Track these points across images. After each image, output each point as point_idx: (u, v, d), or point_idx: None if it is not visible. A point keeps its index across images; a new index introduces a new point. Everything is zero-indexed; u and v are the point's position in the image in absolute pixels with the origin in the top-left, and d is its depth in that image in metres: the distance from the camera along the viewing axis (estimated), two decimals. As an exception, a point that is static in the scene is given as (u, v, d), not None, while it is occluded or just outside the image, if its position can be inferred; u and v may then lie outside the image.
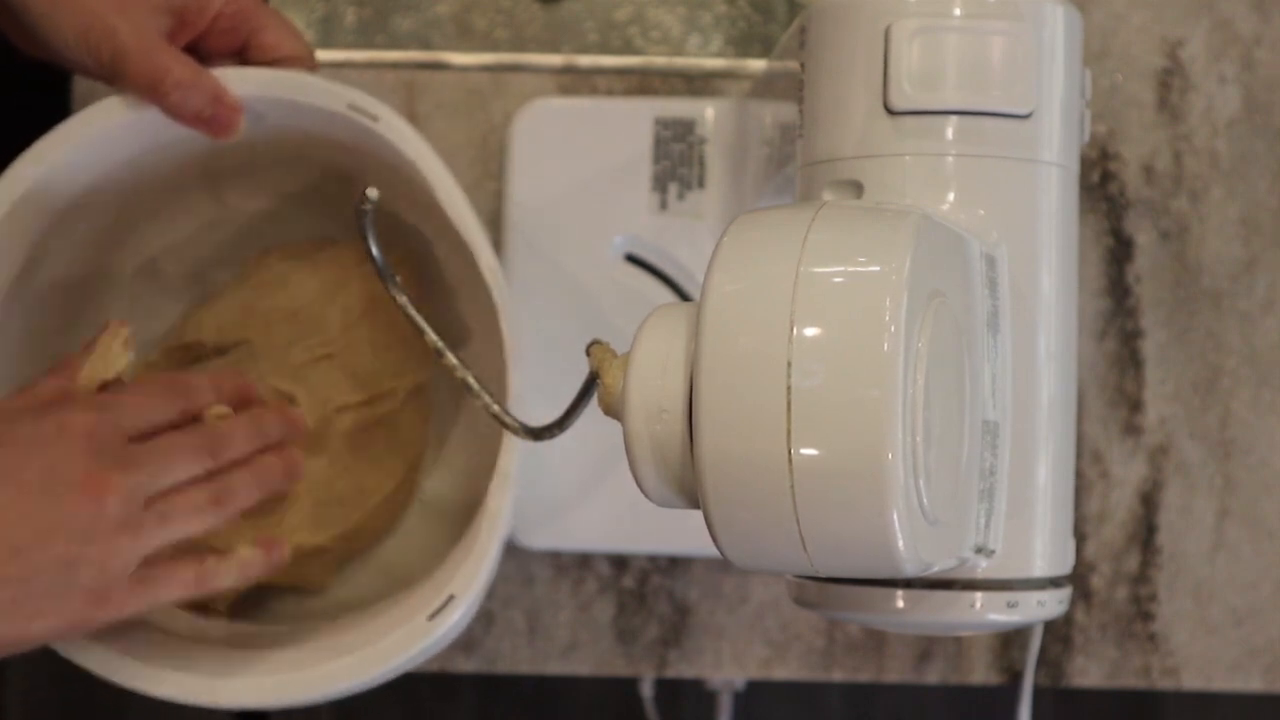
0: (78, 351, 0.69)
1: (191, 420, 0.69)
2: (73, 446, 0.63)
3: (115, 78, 0.69)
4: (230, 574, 0.69)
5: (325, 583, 0.80)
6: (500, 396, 0.63)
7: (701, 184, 0.82)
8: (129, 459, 0.64)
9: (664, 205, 0.82)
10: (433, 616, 0.69)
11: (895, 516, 0.48)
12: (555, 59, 0.85)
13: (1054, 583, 0.59)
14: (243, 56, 0.73)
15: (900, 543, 0.49)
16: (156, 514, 0.64)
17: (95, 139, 0.71)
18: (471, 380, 0.61)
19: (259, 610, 0.80)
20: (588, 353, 0.56)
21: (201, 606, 0.77)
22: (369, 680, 0.69)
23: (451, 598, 0.69)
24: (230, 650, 0.73)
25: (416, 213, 0.78)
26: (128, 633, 0.71)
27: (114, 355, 0.69)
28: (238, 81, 0.70)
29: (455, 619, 0.69)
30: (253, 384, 0.73)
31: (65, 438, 0.63)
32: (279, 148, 0.76)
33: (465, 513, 0.81)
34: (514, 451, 0.70)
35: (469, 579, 0.69)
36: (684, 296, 0.82)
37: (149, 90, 0.69)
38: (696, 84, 0.85)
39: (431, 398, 0.82)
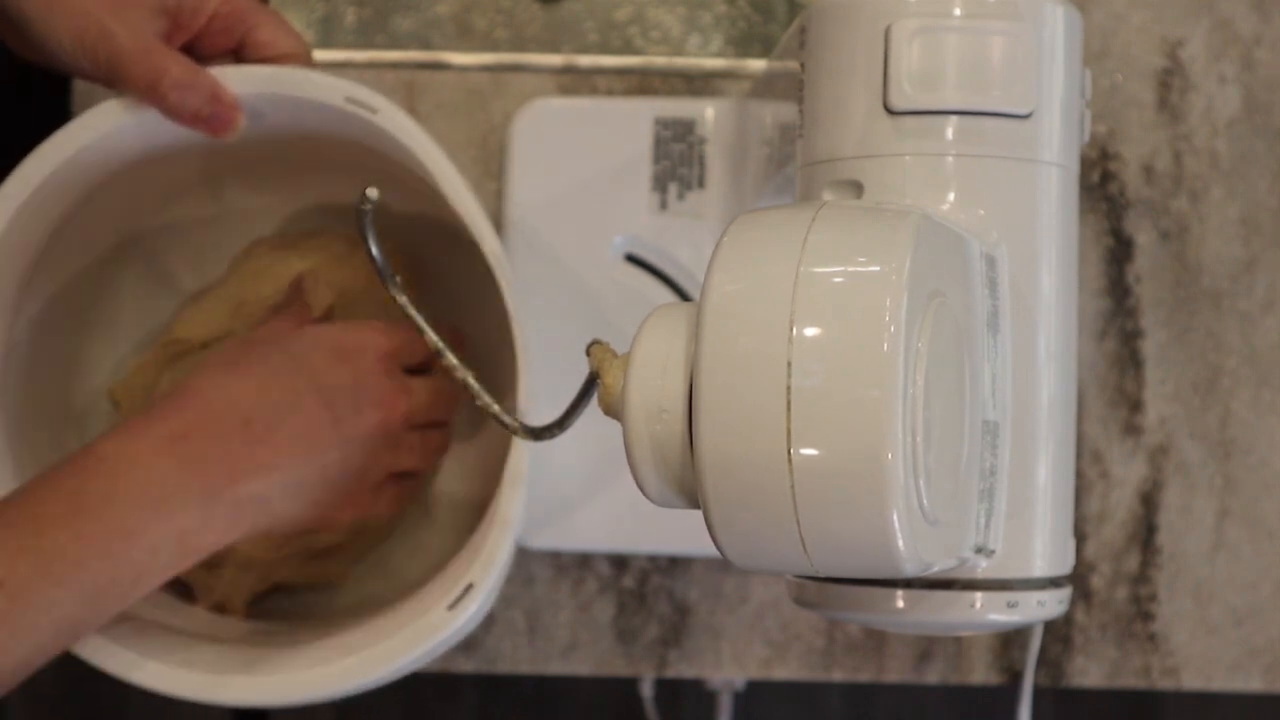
0: (284, 298, 0.77)
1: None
2: (376, 365, 0.72)
3: (113, 80, 0.69)
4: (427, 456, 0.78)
5: (344, 577, 0.80)
6: (501, 390, 0.63)
7: (701, 184, 0.82)
8: (409, 390, 0.74)
9: (664, 205, 0.82)
10: (453, 606, 0.69)
11: (895, 516, 0.48)
12: (555, 59, 0.85)
13: (1054, 583, 0.59)
14: (239, 55, 0.73)
15: (900, 543, 0.49)
16: (421, 441, 0.76)
17: (97, 142, 0.71)
18: (471, 380, 0.61)
19: (273, 611, 0.80)
20: (588, 353, 0.56)
21: (219, 606, 0.78)
22: (391, 672, 0.70)
23: (471, 586, 0.69)
24: (250, 649, 0.73)
25: (417, 209, 0.78)
26: (144, 632, 0.71)
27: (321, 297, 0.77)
28: (234, 80, 0.70)
29: (475, 608, 0.69)
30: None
31: (369, 355, 0.73)
32: (278, 146, 0.76)
33: (468, 512, 0.81)
34: (526, 445, 0.70)
35: (487, 566, 0.69)
36: (684, 296, 0.82)
37: (147, 91, 0.69)
38: (696, 84, 0.85)
39: None
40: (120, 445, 0.66)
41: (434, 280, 0.82)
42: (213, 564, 0.77)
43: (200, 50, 0.72)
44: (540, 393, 0.71)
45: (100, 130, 0.71)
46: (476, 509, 0.80)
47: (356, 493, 0.72)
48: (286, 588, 0.80)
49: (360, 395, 0.71)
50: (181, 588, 0.78)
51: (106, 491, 0.65)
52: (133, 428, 0.67)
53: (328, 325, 0.74)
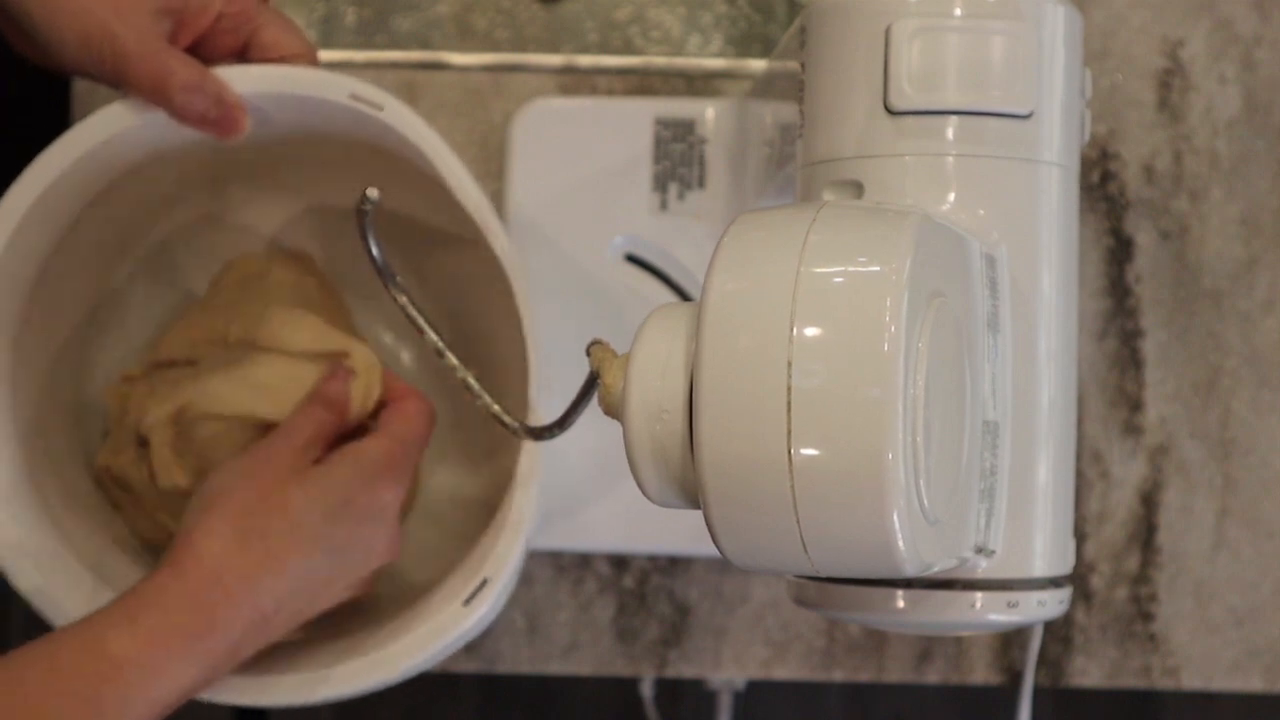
0: (336, 381, 0.74)
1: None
2: (391, 515, 0.71)
3: (118, 81, 0.69)
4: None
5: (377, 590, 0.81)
6: (503, 389, 0.63)
7: (701, 184, 0.82)
8: (402, 503, 0.73)
9: (664, 205, 0.82)
10: (468, 601, 0.69)
11: (895, 516, 0.48)
12: (555, 59, 0.85)
13: (1054, 583, 0.59)
14: (244, 56, 0.72)
15: (900, 543, 0.49)
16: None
17: (104, 144, 0.71)
18: (471, 380, 0.61)
19: None
20: (588, 353, 0.56)
21: None
22: (409, 669, 0.70)
23: (486, 581, 0.69)
24: (267, 649, 0.73)
25: (421, 207, 0.78)
26: None
27: (373, 386, 0.75)
28: (239, 79, 0.70)
29: (490, 603, 0.69)
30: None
31: (388, 512, 0.71)
32: (284, 146, 0.76)
33: (470, 513, 0.81)
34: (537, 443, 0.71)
35: (501, 562, 0.69)
36: (684, 296, 0.82)
37: (154, 93, 0.69)
38: (696, 84, 0.85)
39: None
40: (135, 648, 0.63)
41: (438, 279, 0.82)
42: None
43: (205, 51, 0.72)
44: (548, 390, 0.71)
45: (107, 132, 0.70)
46: (478, 509, 0.80)
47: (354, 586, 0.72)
48: None
49: (371, 552, 0.71)
50: None
51: (122, 698, 0.63)
52: (148, 625, 0.64)
53: (342, 478, 0.70)
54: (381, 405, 0.75)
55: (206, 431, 0.75)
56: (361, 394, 0.74)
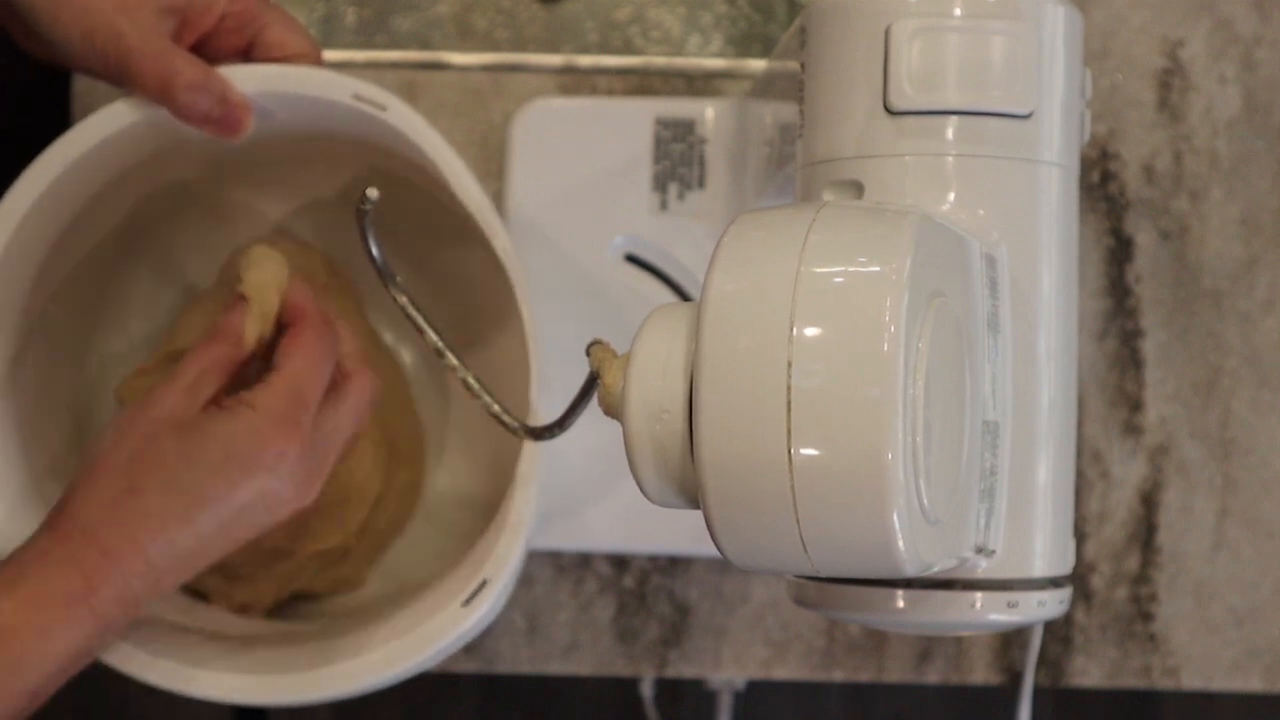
0: (233, 311, 0.72)
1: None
2: (283, 465, 0.68)
3: (123, 80, 0.69)
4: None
5: (363, 580, 0.81)
6: (501, 391, 0.63)
7: (701, 184, 0.82)
8: (307, 432, 0.69)
9: (664, 205, 0.82)
10: (467, 602, 0.69)
11: (895, 516, 0.48)
12: (555, 59, 0.85)
13: (1054, 583, 0.59)
14: (248, 55, 0.72)
15: (900, 543, 0.49)
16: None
17: (107, 141, 0.71)
18: (471, 380, 0.61)
19: (289, 613, 0.80)
20: (588, 353, 0.56)
21: (241, 607, 0.78)
22: (406, 670, 0.70)
23: (485, 582, 0.69)
24: (259, 649, 0.73)
25: (424, 207, 0.78)
26: (161, 634, 0.72)
27: (270, 302, 0.72)
28: (242, 79, 0.70)
29: (489, 604, 0.69)
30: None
31: (285, 467, 0.68)
32: (286, 145, 0.76)
33: (470, 512, 0.81)
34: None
35: (501, 563, 0.69)
36: (684, 296, 0.82)
37: (158, 92, 0.69)
38: (696, 84, 0.85)
39: (410, 386, 0.83)
40: (17, 615, 0.63)
41: (438, 279, 0.82)
42: (230, 575, 0.77)
43: (209, 50, 0.72)
44: (548, 390, 0.71)
45: (109, 130, 0.70)
46: (479, 509, 0.80)
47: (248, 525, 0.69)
48: (306, 595, 0.80)
49: (271, 503, 0.68)
50: (197, 594, 0.79)
51: (13, 662, 0.63)
52: (33, 591, 0.64)
53: (226, 432, 0.68)
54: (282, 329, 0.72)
55: None
56: (258, 318, 0.71)
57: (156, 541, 0.65)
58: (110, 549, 0.65)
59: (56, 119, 0.84)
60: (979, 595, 0.58)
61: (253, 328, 0.71)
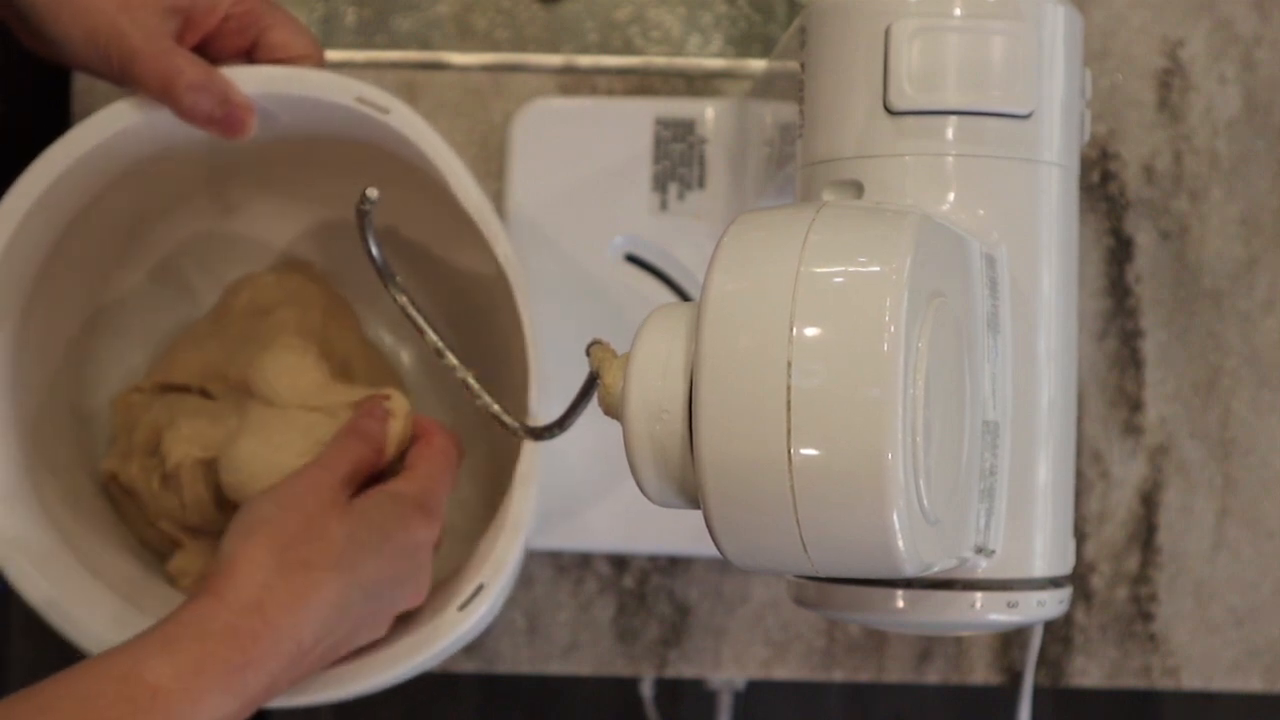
0: (373, 419, 0.73)
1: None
2: (424, 555, 0.70)
3: (125, 80, 0.69)
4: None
5: None
6: (501, 391, 0.63)
7: (701, 184, 0.82)
8: (438, 538, 0.72)
9: (664, 205, 0.82)
10: (463, 606, 0.69)
11: (895, 516, 0.48)
12: (555, 59, 0.85)
13: (1054, 583, 0.59)
14: (251, 56, 0.72)
15: (900, 543, 0.49)
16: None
17: (107, 142, 0.71)
18: (471, 380, 0.61)
19: None
20: (588, 353, 0.56)
21: None
22: (401, 673, 0.70)
23: (481, 587, 0.69)
24: None
25: (425, 209, 0.78)
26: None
27: (404, 432, 0.74)
28: (244, 80, 0.70)
29: (485, 609, 0.69)
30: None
31: (424, 558, 0.70)
32: (288, 146, 0.76)
33: (471, 513, 0.81)
34: (536, 445, 0.70)
35: (498, 567, 0.69)
36: (684, 296, 0.82)
37: (161, 92, 0.69)
38: (696, 84, 0.85)
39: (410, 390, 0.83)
40: (175, 678, 0.61)
41: (438, 279, 0.82)
42: None
43: (212, 51, 0.72)
44: (548, 390, 0.71)
45: (111, 130, 0.70)
46: (479, 510, 0.80)
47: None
48: None
49: (403, 590, 0.70)
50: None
51: None
52: (190, 656, 0.62)
53: (381, 514, 0.69)
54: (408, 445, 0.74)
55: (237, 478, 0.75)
56: (398, 435, 0.73)
57: (316, 618, 0.65)
58: (273, 621, 0.64)
59: (57, 118, 0.84)
60: (979, 595, 0.58)
61: (394, 439, 0.73)
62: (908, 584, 0.57)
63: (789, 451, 0.48)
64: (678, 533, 0.80)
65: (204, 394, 0.77)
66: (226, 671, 0.62)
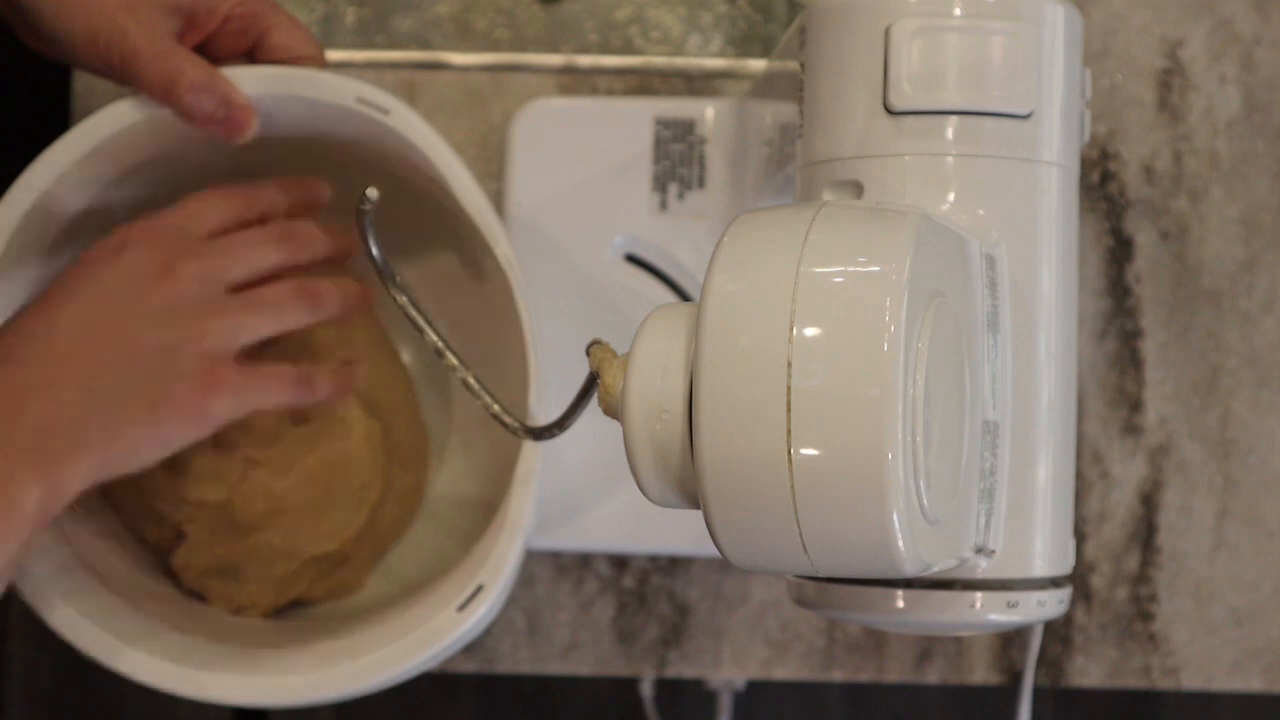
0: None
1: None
2: (140, 248, 0.66)
3: (126, 79, 0.69)
4: (325, 385, 0.71)
5: (362, 585, 0.80)
6: (501, 391, 0.63)
7: (701, 184, 0.82)
8: (200, 249, 0.67)
9: (664, 205, 0.82)
10: (462, 607, 0.69)
11: (895, 516, 0.48)
12: (555, 59, 0.85)
13: (1054, 583, 0.59)
14: (252, 57, 0.72)
15: (900, 543, 0.49)
16: (242, 300, 0.67)
17: (108, 142, 0.71)
18: (471, 380, 0.61)
19: (288, 614, 0.80)
20: (588, 353, 0.56)
21: (239, 609, 0.78)
22: (400, 674, 0.70)
23: (481, 588, 0.69)
24: (258, 650, 0.73)
25: (426, 210, 0.78)
26: (161, 635, 0.71)
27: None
28: (245, 80, 0.70)
29: (484, 610, 0.69)
30: (320, 186, 0.75)
31: (132, 245, 0.66)
32: (288, 147, 0.76)
33: (471, 513, 0.81)
34: (536, 446, 0.70)
35: (497, 568, 0.69)
36: (684, 296, 0.82)
37: (162, 92, 0.69)
38: (696, 84, 0.85)
39: (414, 388, 0.83)
40: None
41: (438, 279, 0.82)
42: (228, 576, 0.77)
43: (214, 51, 0.72)
44: (548, 390, 0.71)
45: (112, 130, 0.70)
46: (479, 510, 0.80)
47: (171, 385, 0.64)
48: (306, 601, 0.80)
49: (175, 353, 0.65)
50: (196, 595, 0.79)
51: None
52: None
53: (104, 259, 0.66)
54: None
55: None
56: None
57: (51, 321, 0.63)
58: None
59: (57, 119, 0.84)
60: (979, 595, 0.58)
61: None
62: (908, 584, 0.57)
63: (789, 451, 0.48)
64: (678, 533, 0.80)
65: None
66: None
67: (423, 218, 0.80)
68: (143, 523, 0.78)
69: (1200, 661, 0.84)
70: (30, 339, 0.63)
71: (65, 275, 0.66)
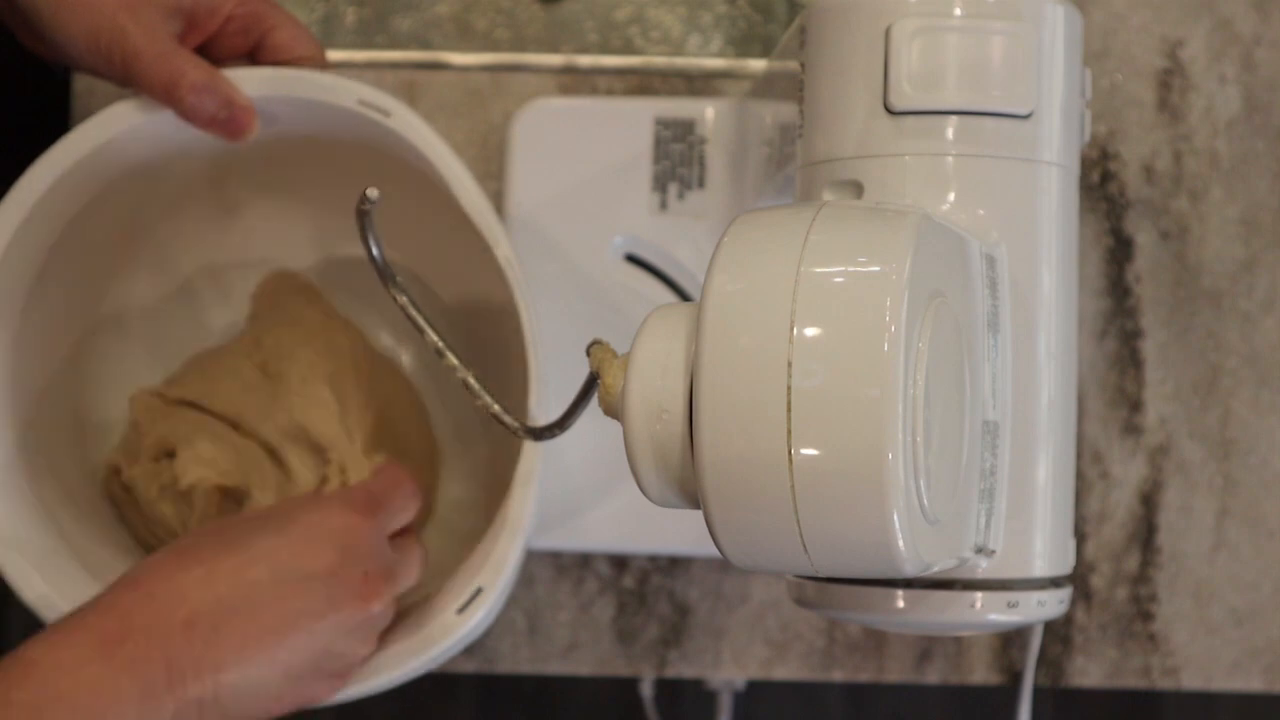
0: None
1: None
2: (353, 556, 0.67)
3: (127, 80, 0.69)
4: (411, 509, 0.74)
5: None
6: (501, 391, 0.63)
7: (701, 184, 0.82)
8: (390, 570, 0.68)
9: (664, 205, 0.82)
10: (462, 610, 0.69)
11: (895, 516, 0.48)
12: (555, 59, 0.85)
13: (1054, 583, 0.59)
14: (253, 58, 0.72)
15: (900, 543, 0.49)
16: (392, 610, 0.69)
17: (109, 143, 0.71)
18: (471, 380, 0.61)
19: None
20: (588, 353, 0.56)
21: None
22: (399, 676, 0.70)
23: (480, 590, 0.69)
24: None
25: (426, 211, 0.78)
26: None
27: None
28: (246, 81, 0.70)
29: (484, 612, 0.69)
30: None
31: (348, 549, 0.67)
32: (289, 148, 0.76)
33: (471, 514, 0.81)
34: (536, 447, 0.70)
35: (497, 570, 0.69)
36: (684, 296, 0.82)
37: (163, 93, 0.69)
38: (696, 84, 0.85)
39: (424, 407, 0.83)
40: (48, 651, 0.60)
41: (438, 279, 0.82)
42: None
43: (215, 52, 0.72)
44: (548, 390, 0.71)
45: (112, 131, 0.70)
46: (479, 510, 0.80)
47: (320, 682, 0.67)
48: None
49: (335, 587, 0.66)
50: None
51: (33, 703, 0.59)
52: (64, 629, 0.61)
53: (305, 503, 0.68)
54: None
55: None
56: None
57: (201, 587, 0.63)
58: (151, 590, 0.63)
59: (57, 119, 0.84)
60: (979, 595, 0.58)
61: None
62: (908, 584, 0.57)
63: (789, 451, 0.48)
64: (678, 533, 0.80)
65: (231, 423, 0.77)
66: (101, 642, 0.61)
67: (423, 218, 0.80)
68: (140, 529, 0.78)
69: (1200, 661, 0.84)
70: (209, 615, 0.64)
71: (258, 547, 0.66)
